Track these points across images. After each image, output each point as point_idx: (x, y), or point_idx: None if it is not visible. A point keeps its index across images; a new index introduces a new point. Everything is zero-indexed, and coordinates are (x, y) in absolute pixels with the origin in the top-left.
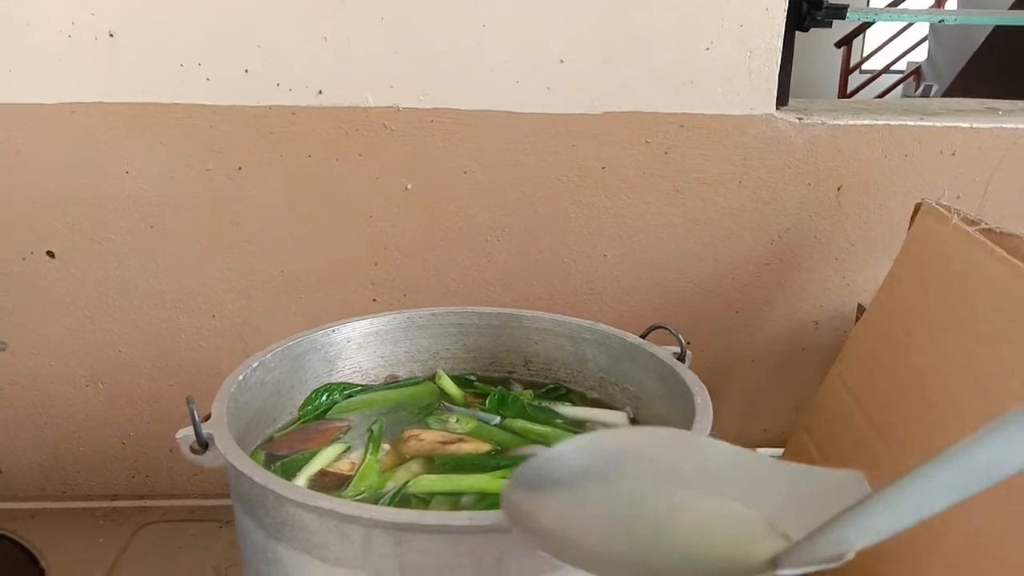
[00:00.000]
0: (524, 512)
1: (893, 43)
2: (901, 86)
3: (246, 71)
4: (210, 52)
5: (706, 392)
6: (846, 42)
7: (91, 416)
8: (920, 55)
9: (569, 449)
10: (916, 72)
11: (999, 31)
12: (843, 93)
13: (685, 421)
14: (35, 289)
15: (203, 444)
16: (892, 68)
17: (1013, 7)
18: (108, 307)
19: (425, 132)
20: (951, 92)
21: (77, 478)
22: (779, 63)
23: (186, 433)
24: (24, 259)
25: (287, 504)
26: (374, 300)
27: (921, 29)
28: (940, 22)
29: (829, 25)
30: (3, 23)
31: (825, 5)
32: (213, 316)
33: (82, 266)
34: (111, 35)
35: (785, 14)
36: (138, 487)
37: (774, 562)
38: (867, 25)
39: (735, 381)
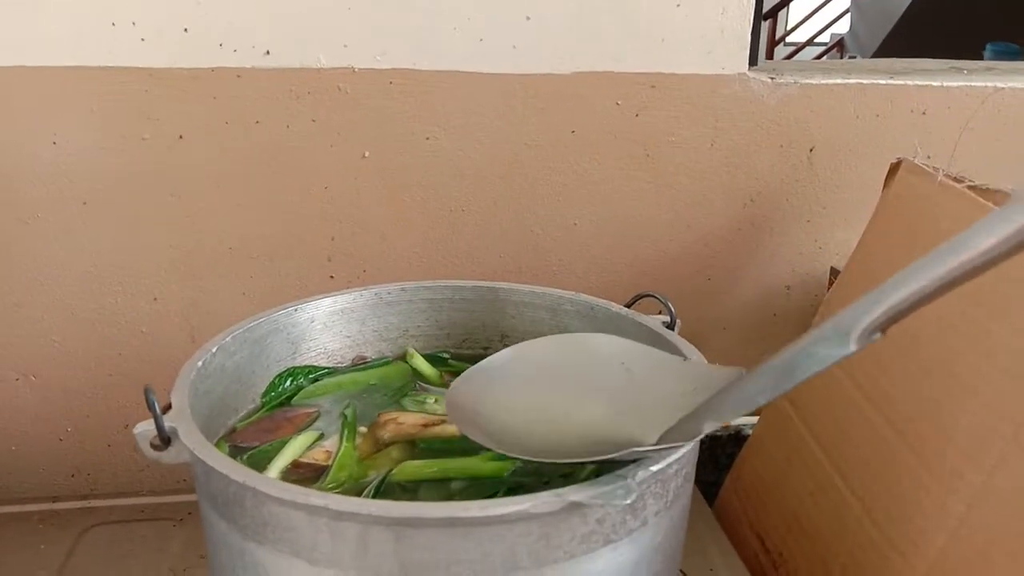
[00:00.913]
0: (465, 409)
1: (817, 15)
2: (825, 58)
3: (185, 30)
4: (144, 9)
5: (702, 356)
6: (771, 15)
7: (24, 412)
8: (843, 27)
9: (500, 358)
10: (839, 44)
11: (918, 3)
12: (769, 52)
13: None
14: None
15: (165, 439)
16: (816, 40)
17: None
18: (38, 293)
19: (383, 95)
20: None
21: (10, 480)
22: (752, 20)
23: (145, 428)
24: None
25: (269, 502)
26: (331, 277)
27: (843, 1)
28: None
29: None
30: None
31: None
32: (155, 299)
33: (7, 248)
34: None
35: None
36: (79, 487)
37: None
38: None
39: (708, 349)
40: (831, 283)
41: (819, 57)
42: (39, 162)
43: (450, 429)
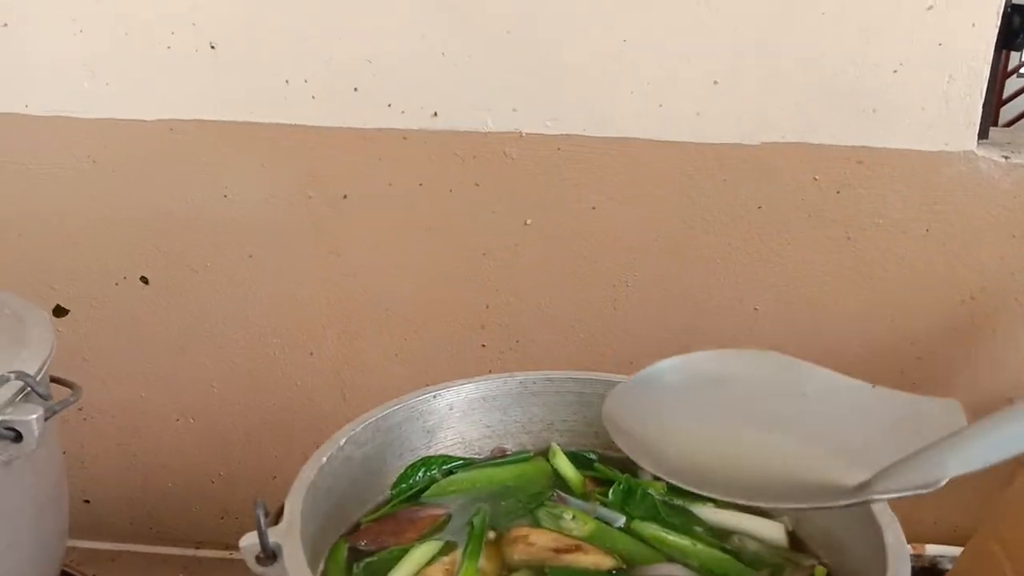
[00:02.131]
0: (621, 425)
1: None
2: None
3: (355, 90)
4: (317, 68)
5: (899, 527)
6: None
7: (181, 451)
8: None
9: (666, 367)
10: None
11: None
12: (998, 99)
13: (863, 555)
14: (128, 315)
15: (270, 555)
16: None
17: None
18: (201, 339)
19: (550, 161)
20: None
21: (164, 515)
22: (984, 91)
23: (250, 542)
24: (117, 284)
25: None
26: (483, 346)
27: None
28: None
29: None
30: (101, 33)
31: None
32: (311, 353)
33: (176, 294)
34: (212, 47)
35: (996, 31)
36: (226, 531)
37: (865, 487)
38: None
39: None
40: None
41: None
42: (211, 213)
43: (584, 559)
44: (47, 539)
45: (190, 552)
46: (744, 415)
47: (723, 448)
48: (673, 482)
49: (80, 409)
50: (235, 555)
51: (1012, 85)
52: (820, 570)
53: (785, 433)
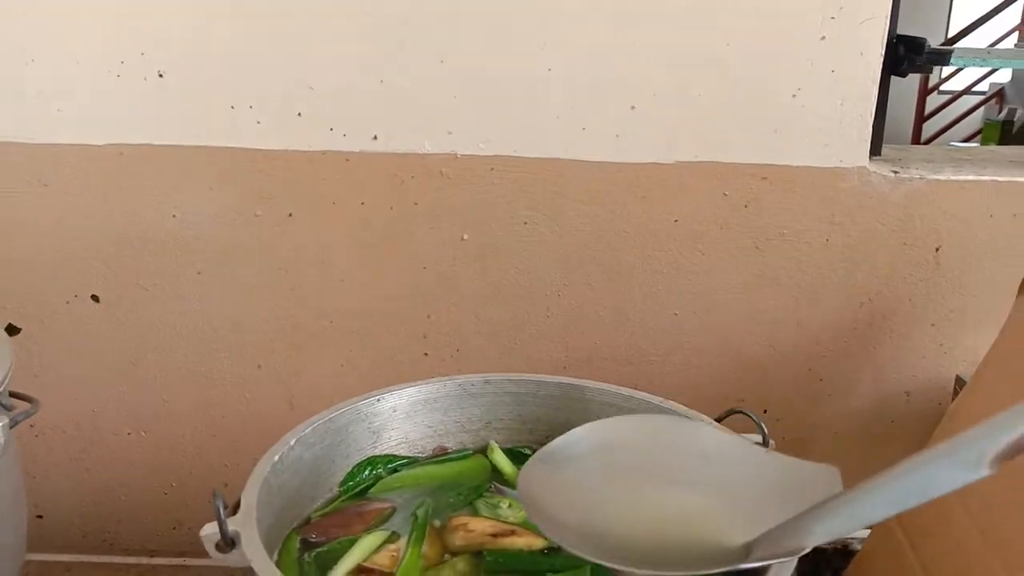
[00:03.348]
0: (535, 499)
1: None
2: (983, 108)
3: (299, 115)
4: (262, 94)
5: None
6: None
7: (133, 465)
8: (1003, 76)
9: (575, 440)
10: (999, 94)
11: None
12: (920, 115)
13: None
14: (79, 333)
15: (229, 542)
16: (973, 89)
17: None
18: (152, 354)
19: (484, 180)
20: None
21: (118, 527)
22: (873, 112)
23: (211, 531)
24: (68, 302)
25: None
26: (425, 354)
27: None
28: None
29: (929, 71)
30: (53, 61)
31: (927, 50)
32: (259, 366)
33: (127, 311)
34: (161, 75)
35: (881, 59)
36: (179, 541)
37: (747, 548)
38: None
39: (816, 455)
40: (956, 392)
41: (976, 108)
42: (160, 233)
43: (519, 541)
44: (5, 551)
45: (144, 560)
46: (649, 478)
47: (629, 513)
48: (591, 559)
49: (32, 426)
50: (188, 562)
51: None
52: None
53: (689, 493)
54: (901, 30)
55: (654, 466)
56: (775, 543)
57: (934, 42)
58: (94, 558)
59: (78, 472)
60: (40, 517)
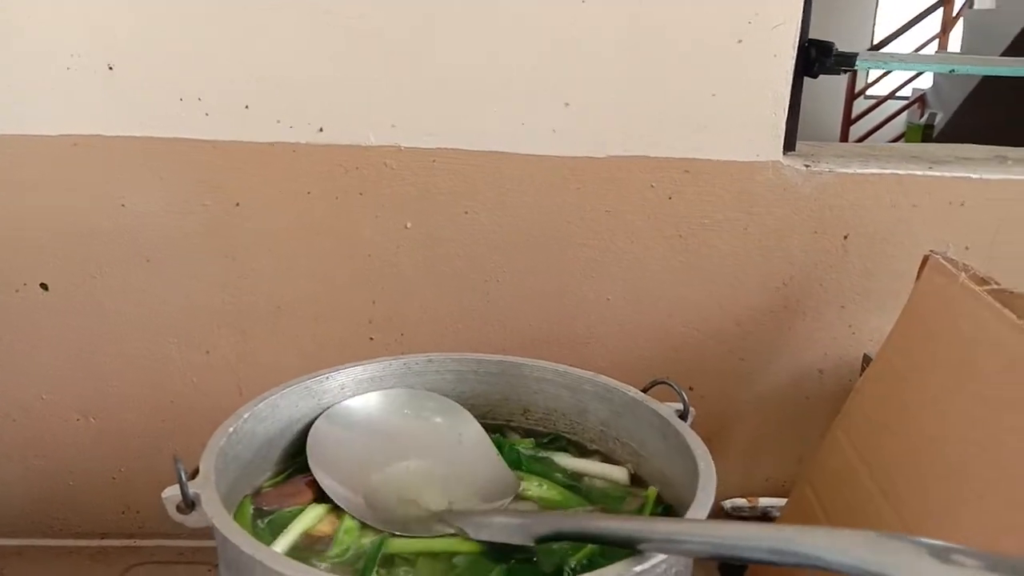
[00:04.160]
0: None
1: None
2: (906, 113)
3: (246, 107)
4: (209, 87)
5: (709, 456)
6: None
7: (82, 451)
8: (925, 82)
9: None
10: (921, 99)
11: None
12: (847, 118)
13: (687, 484)
14: (28, 321)
15: (190, 504)
16: (898, 94)
17: (1008, 50)
18: (101, 341)
19: (427, 172)
20: (955, 121)
21: (67, 514)
22: (787, 110)
23: (173, 492)
24: (17, 291)
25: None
26: (371, 339)
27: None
28: (951, 72)
29: (839, 72)
30: (6, 54)
31: (835, 53)
32: (207, 352)
33: (75, 299)
34: (110, 68)
35: (793, 61)
36: (128, 525)
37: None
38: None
39: (737, 429)
40: (863, 369)
41: (900, 112)
42: (109, 222)
43: None
44: None
45: (96, 543)
46: (410, 453)
47: (396, 480)
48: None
49: None
50: (139, 543)
51: (860, 105)
52: (652, 491)
53: (442, 467)
54: (829, 37)
55: (416, 444)
56: (470, 522)
57: (860, 48)
58: (45, 542)
59: (27, 459)
60: None
